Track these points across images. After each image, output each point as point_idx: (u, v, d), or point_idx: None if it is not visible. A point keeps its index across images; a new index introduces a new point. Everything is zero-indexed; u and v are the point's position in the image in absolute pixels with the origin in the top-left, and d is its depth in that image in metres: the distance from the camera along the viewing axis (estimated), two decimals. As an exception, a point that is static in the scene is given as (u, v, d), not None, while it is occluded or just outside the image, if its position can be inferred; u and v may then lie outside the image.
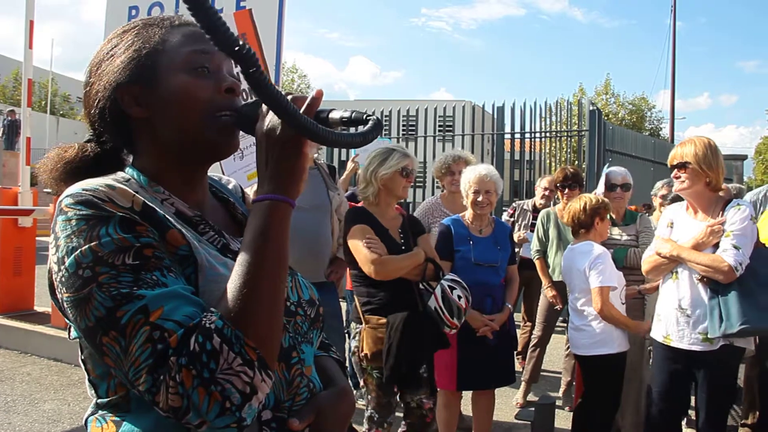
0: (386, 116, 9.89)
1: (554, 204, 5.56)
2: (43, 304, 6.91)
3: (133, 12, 5.57)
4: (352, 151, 5.88)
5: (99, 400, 0.97)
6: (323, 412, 1.06)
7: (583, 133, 8.72)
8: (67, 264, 0.86)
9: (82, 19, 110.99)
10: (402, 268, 2.96)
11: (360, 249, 2.93)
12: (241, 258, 0.88)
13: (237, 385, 0.81)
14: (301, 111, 0.91)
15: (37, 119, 18.54)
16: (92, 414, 0.98)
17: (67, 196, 0.90)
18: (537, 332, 5.00)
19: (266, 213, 0.90)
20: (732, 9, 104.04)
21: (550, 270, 4.96)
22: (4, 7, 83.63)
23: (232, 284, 0.86)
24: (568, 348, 4.90)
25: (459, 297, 2.91)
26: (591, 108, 8.66)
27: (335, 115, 0.93)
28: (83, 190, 0.90)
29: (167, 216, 0.96)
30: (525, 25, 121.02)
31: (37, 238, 7.19)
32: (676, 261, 2.94)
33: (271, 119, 0.92)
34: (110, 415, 0.95)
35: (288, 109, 0.85)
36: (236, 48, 0.79)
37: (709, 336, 2.80)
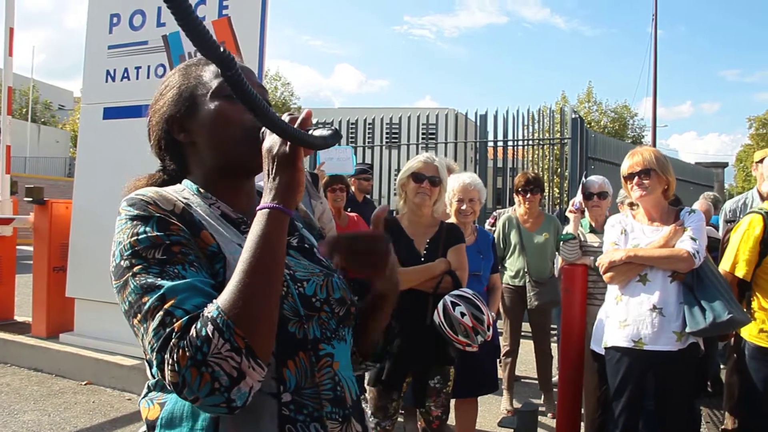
0: (370, 124, 9.91)
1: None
2: (23, 313, 6.83)
3: (115, 20, 5.55)
4: (317, 161, 6.01)
5: (150, 382, 1.13)
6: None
7: (565, 141, 8.77)
8: (115, 256, 1.04)
9: (64, 26, 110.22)
10: (408, 281, 2.89)
11: None
12: (242, 257, 1.01)
13: (225, 368, 0.92)
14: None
15: (17, 127, 18.34)
16: (144, 396, 1.13)
17: (124, 200, 1.09)
18: (505, 341, 5.01)
19: (265, 220, 1.03)
20: (712, 18, 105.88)
21: (512, 275, 5.00)
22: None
23: (232, 280, 0.98)
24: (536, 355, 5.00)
25: (462, 314, 2.76)
26: (573, 116, 8.73)
27: (316, 133, 1.05)
28: (135, 194, 1.10)
29: (204, 219, 1.14)
30: (507, 33, 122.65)
31: (17, 247, 7.11)
32: (636, 264, 3.00)
33: (271, 138, 1.06)
34: (158, 396, 1.10)
35: (258, 107, 0.95)
36: (218, 52, 0.87)
37: (687, 329, 2.85)
